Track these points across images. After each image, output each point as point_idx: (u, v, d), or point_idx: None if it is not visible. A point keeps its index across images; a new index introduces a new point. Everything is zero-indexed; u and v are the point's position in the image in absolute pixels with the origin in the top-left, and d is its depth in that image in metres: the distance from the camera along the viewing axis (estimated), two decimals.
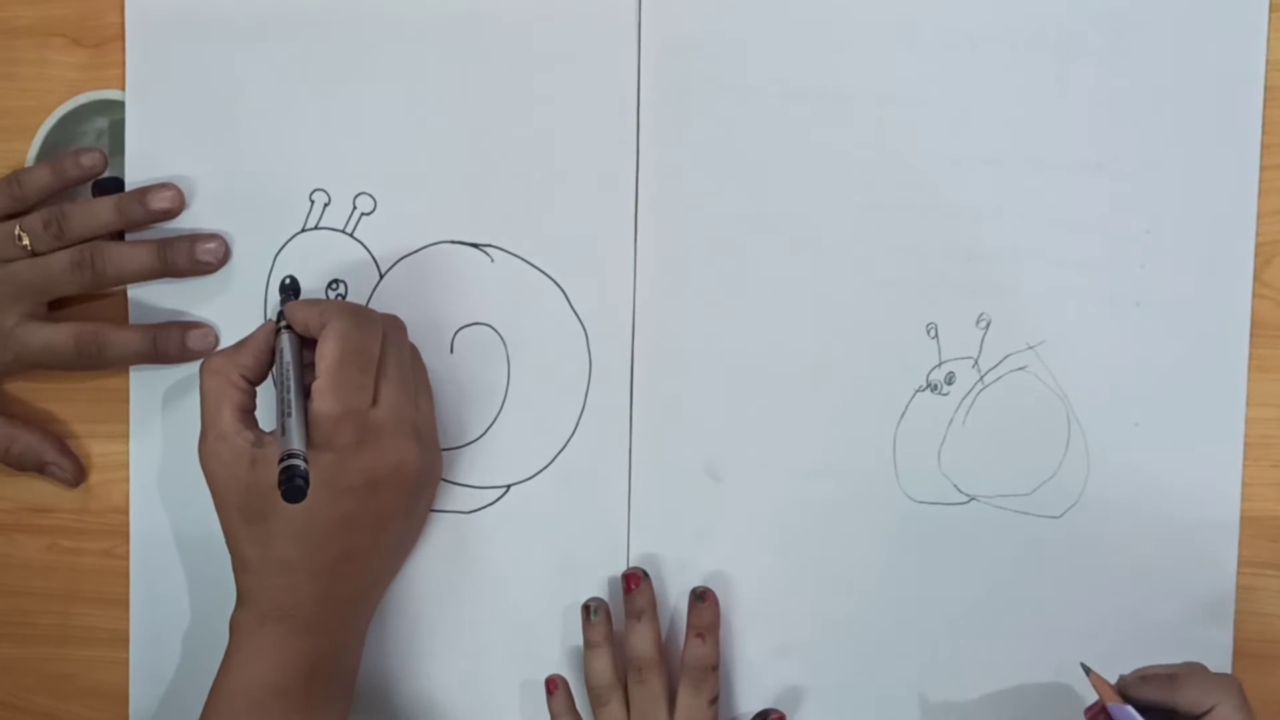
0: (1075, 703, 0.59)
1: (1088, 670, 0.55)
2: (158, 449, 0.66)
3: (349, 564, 0.59)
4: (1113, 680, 0.54)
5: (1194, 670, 0.54)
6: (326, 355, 0.57)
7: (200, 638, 0.66)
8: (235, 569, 0.59)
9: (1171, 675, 0.53)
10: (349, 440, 0.57)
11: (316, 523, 0.57)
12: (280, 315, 0.61)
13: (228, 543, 0.59)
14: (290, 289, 0.64)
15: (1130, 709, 0.52)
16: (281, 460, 0.54)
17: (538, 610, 0.64)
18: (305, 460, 0.54)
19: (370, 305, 0.64)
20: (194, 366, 0.65)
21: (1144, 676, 0.53)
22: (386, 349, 0.58)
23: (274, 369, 0.60)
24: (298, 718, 0.58)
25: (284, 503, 0.54)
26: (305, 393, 0.58)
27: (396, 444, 0.58)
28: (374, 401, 0.58)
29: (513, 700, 0.64)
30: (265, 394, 0.61)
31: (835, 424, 0.62)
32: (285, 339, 0.60)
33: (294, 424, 0.56)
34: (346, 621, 0.60)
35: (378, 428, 0.57)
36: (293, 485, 0.53)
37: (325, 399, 0.56)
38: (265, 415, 0.61)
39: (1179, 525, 0.60)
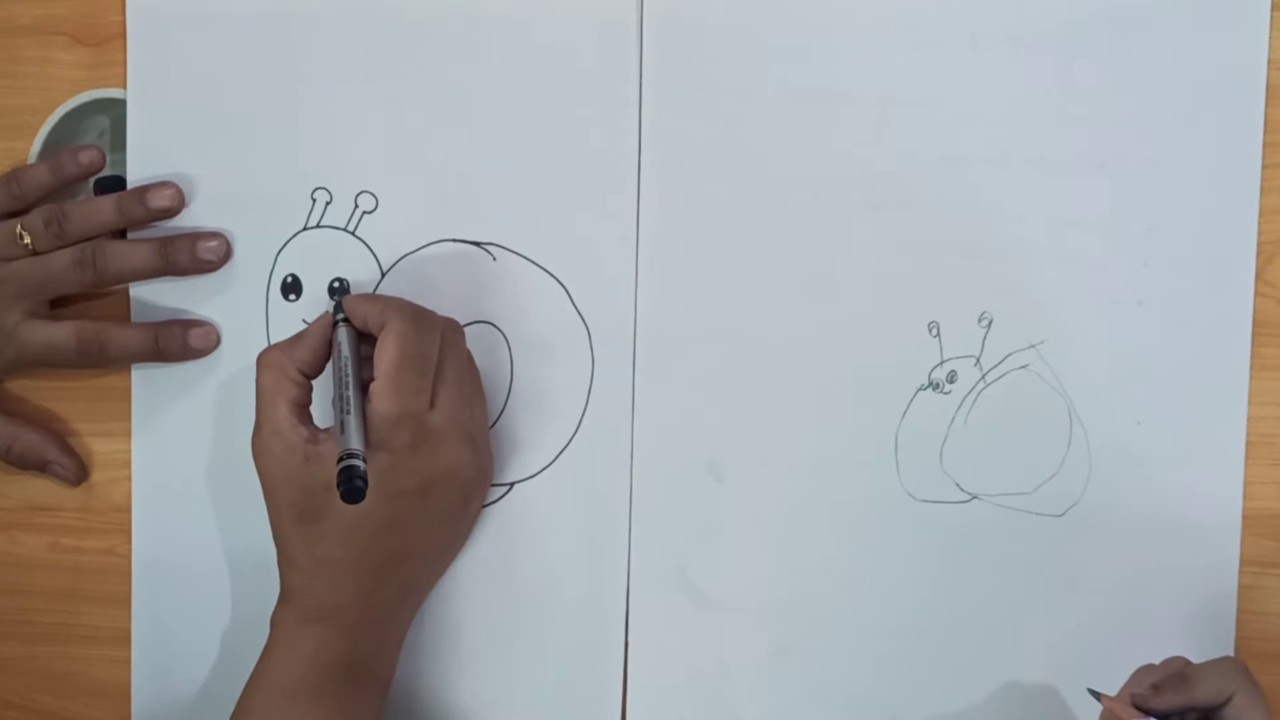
0: (1076, 701, 0.59)
1: (1097, 695, 0.54)
2: (159, 447, 0.66)
3: (395, 566, 0.59)
4: (1113, 692, 0.54)
5: (1194, 665, 0.53)
6: (385, 356, 0.57)
7: (202, 636, 0.66)
8: (280, 565, 0.59)
9: (1181, 676, 0.52)
10: (405, 443, 0.57)
11: (366, 524, 0.57)
12: (337, 307, 0.60)
13: (275, 539, 0.59)
14: (341, 290, 0.64)
15: None
16: (340, 459, 0.54)
17: (538, 607, 0.64)
18: (364, 460, 0.54)
19: None
20: (195, 365, 0.65)
21: (1156, 685, 0.53)
22: (445, 353, 0.58)
23: (332, 363, 0.59)
24: (335, 718, 0.58)
25: (336, 502, 0.54)
26: (363, 389, 0.57)
27: (451, 449, 0.58)
28: (431, 405, 0.57)
29: (510, 695, 0.64)
30: (322, 389, 0.61)
31: (837, 423, 0.62)
32: (343, 333, 0.59)
33: (353, 423, 0.55)
34: (388, 624, 0.60)
35: (434, 432, 0.57)
36: (352, 486, 0.53)
37: (384, 400, 0.56)
38: (319, 411, 0.61)
39: (1180, 524, 0.60)
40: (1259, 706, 0.51)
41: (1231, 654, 0.59)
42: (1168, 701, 0.52)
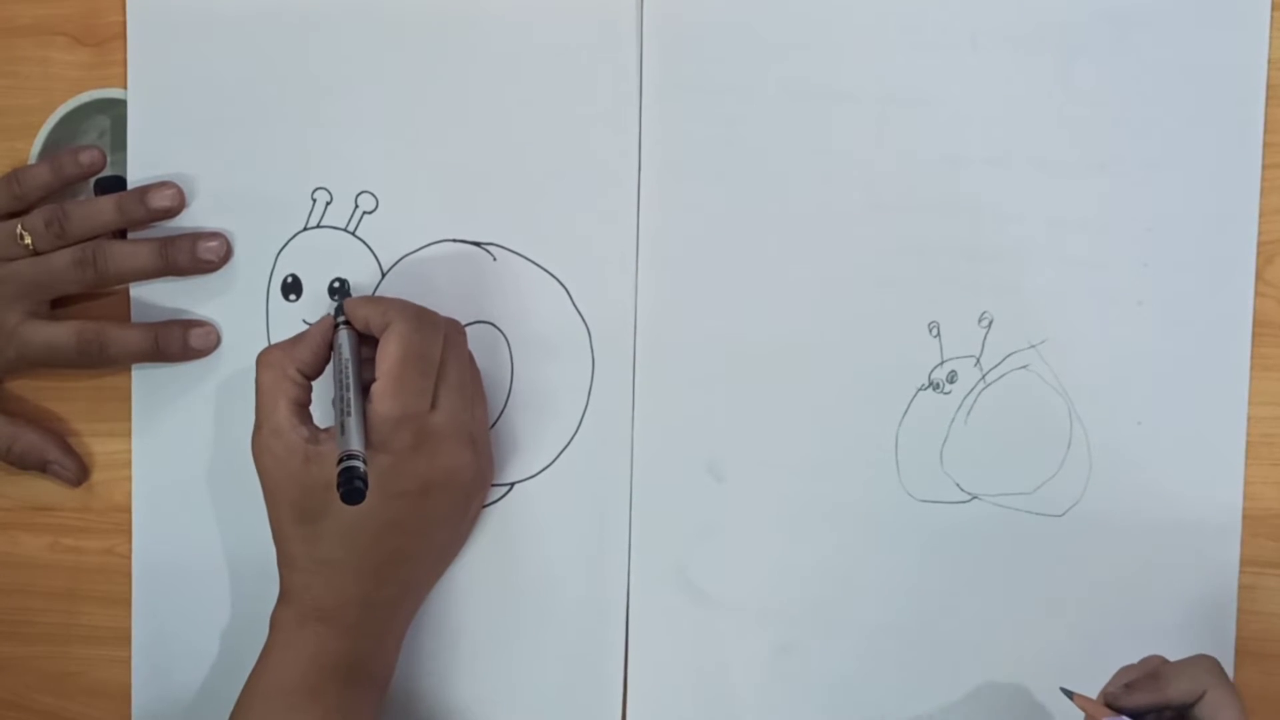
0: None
1: (1070, 694, 0.55)
2: (160, 447, 0.66)
3: (395, 567, 0.59)
4: (1093, 694, 0.54)
5: (1169, 663, 0.54)
6: (388, 357, 0.57)
7: (202, 636, 0.66)
8: (280, 564, 0.59)
9: (1154, 674, 0.53)
10: (406, 444, 0.57)
11: (366, 524, 0.57)
12: (339, 310, 0.60)
13: (275, 538, 0.59)
14: (341, 289, 0.64)
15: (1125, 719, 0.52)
16: (340, 460, 0.54)
17: (538, 607, 0.64)
18: (364, 462, 0.54)
19: None
20: (196, 365, 0.66)
21: (1129, 685, 0.53)
22: (447, 354, 0.58)
23: (332, 365, 0.59)
24: (334, 718, 0.58)
25: (336, 503, 0.54)
26: (363, 391, 0.57)
27: (452, 450, 0.58)
28: (432, 406, 0.57)
29: (510, 695, 0.64)
30: (321, 389, 0.61)
31: (837, 423, 0.62)
32: (344, 335, 0.59)
33: (353, 424, 0.56)
34: (387, 624, 0.60)
35: (435, 433, 0.57)
36: (352, 487, 0.53)
37: (385, 401, 0.56)
38: (319, 411, 0.61)
39: (1180, 524, 0.60)
40: (1231, 704, 0.51)
41: (1232, 654, 0.59)
42: (1139, 700, 0.53)
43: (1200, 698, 0.52)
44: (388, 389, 0.57)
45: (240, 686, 0.59)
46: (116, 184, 0.66)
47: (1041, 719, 0.61)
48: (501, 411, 0.64)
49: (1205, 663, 0.53)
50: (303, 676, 0.57)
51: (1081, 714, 0.55)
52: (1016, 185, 0.60)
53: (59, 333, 0.64)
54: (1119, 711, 0.53)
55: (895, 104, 0.61)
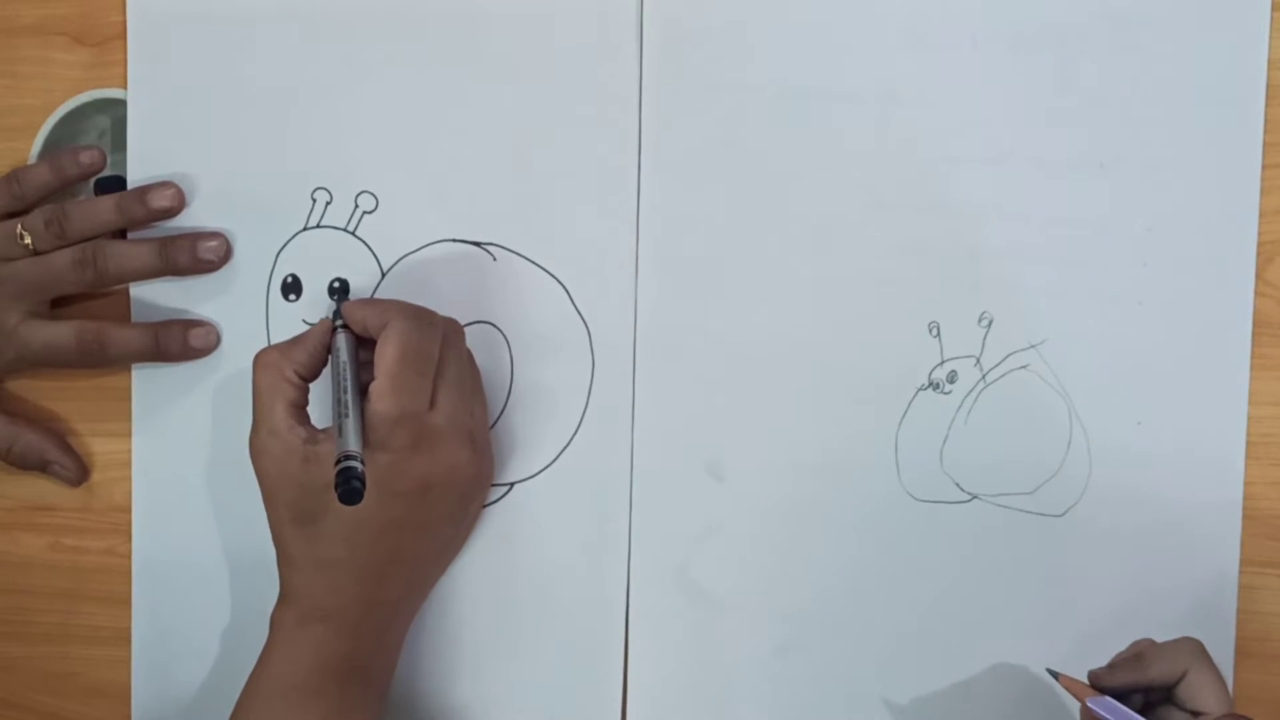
0: (1075, 701, 0.59)
1: (1055, 675, 0.56)
2: (160, 447, 0.66)
3: (395, 566, 0.59)
4: (1083, 677, 0.55)
5: (1154, 644, 0.54)
6: (387, 356, 0.57)
7: (202, 636, 0.66)
8: (280, 565, 0.59)
9: (1137, 655, 0.54)
10: (405, 443, 0.57)
11: (366, 524, 0.57)
12: (336, 314, 0.60)
13: (274, 539, 0.59)
14: (341, 289, 0.64)
15: (1109, 699, 0.53)
16: (338, 461, 0.54)
17: (538, 607, 0.64)
18: (362, 462, 0.54)
19: None
20: (196, 365, 0.66)
21: (1112, 664, 0.54)
22: (446, 353, 0.58)
23: (330, 368, 0.59)
24: (334, 719, 0.58)
25: (335, 503, 0.54)
26: (362, 392, 0.57)
27: (451, 449, 0.58)
28: (431, 405, 0.57)
29: (510, 695, 0.64)
30: (318, 390, 0.61)
31: (837, 423, 0.62)
32: (342, 338, 0.59)
33: (351, 425, 0.55)
34: (388, 624, 0.60)
35: (434, 432, 0.57)
36: (349, 488, 0.53)
37: (384, 400, 0.56)
38: (317, 412, 0.61)
39: (1180, 524, 0.60)
40: (1213, 684, 0.52)
41: (1232, 653, 0.59)
42: (1121, 679, 0.54)
43: (1181, 678, 0.52)
44: (386, 388, 0.56)
45: (240, 686, 0.59)
46: (116, 184, 0.66)
47: (1041, 718, 0.61)
48: (501, 411, 0.64)
49: (1188, 644, 0.54)
50: (303, 677, 0.57)
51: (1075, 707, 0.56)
52: (1016, 185, 0.60)
53: (59, 333, 0.64)
54: (1101, 691, 0.54)
55: (895, 104, 0.61)
